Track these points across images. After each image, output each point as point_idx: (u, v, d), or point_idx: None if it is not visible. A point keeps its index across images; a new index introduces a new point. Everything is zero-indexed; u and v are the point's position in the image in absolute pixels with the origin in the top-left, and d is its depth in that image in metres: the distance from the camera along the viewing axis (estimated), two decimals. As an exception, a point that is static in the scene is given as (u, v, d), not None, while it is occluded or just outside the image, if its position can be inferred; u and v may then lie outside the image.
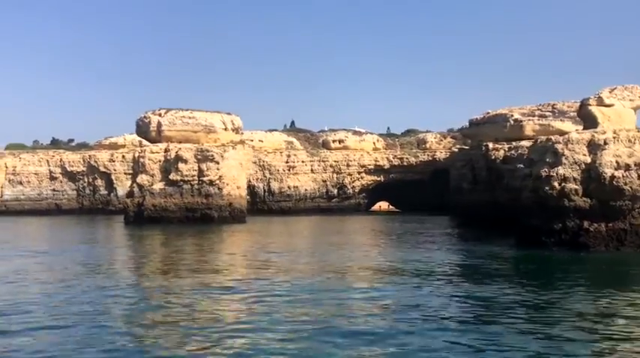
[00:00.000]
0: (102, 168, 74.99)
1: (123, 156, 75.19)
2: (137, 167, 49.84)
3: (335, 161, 75.03)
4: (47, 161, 76.08)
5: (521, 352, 9.98)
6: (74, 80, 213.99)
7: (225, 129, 53.42)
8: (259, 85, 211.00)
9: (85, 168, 75.64)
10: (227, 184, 50.56)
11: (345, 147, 77.09)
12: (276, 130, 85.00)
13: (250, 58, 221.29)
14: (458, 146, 74.85)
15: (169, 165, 49.53)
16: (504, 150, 38.62)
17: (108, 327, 12.14)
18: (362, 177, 76.19)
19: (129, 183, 73.70)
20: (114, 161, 74.89)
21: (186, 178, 49.32)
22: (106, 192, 75.25)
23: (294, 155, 74.68)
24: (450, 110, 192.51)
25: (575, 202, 22.76)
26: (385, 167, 75.95)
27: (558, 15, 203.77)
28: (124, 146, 78.77)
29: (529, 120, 39.24)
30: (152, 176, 49.72)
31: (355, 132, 79.69)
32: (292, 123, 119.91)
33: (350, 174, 75.23)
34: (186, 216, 49.72)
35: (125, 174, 74.86)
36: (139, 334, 11.81)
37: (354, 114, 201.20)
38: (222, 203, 50.36)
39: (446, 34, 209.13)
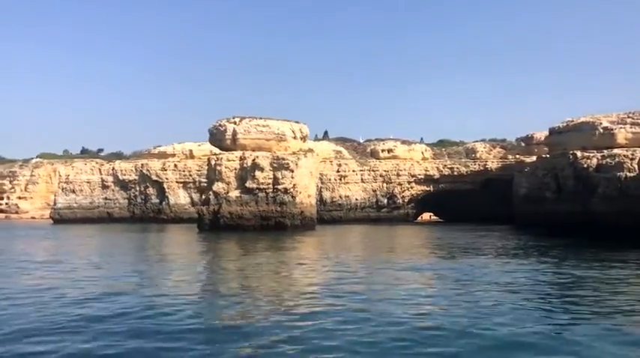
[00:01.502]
0: (154, 177, 75.33)
1: (175, 165, 75.58)
2: (213, 175, 50.03)
3: (385, 170, 75.11)
4: (99, 169, 76.49)
5: None
6: (104, 92, 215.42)
7: (294, 137, 53.67)
8: (293, 94, 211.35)
9: (137, 177, 76.02)
10: (300, 193, 50.72)
11: (395, 157, 77.17)
12: (321, 139, 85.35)
13: (284, 67, 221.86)
14: (511, 156, 75.16)
15: (245, 173, 49.74)
16: (597, 158, 38.53)
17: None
18: (412, 187, 76.13)
19: (180, 191, 74.42)
20: (166, 170, 75.24)
21: (261, 186, 49.48)
22: (157, 201, 75.49)
23: (345, 164, 74.87)
24: (481, 121, 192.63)
25: None
26: (435, 177, 75.91)
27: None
28: (173, 155, 79.13)
29: (620, 128, 39.23)
30: (228, 184, 49.93)
31: (404, 142, 79.86)
32: (326, 133, 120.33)
33: (400, 184, 75.23)
34: (260, 224, 49.82)
35: (177, 182, 75.30)
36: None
37: (387, 124, 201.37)
38: (294, 211, 50.46)
39: (470, 49, 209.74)
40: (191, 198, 75.45)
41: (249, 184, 49.44)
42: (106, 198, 76.26)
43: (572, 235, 37.93)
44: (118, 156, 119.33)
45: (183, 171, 75.31)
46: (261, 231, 49.22)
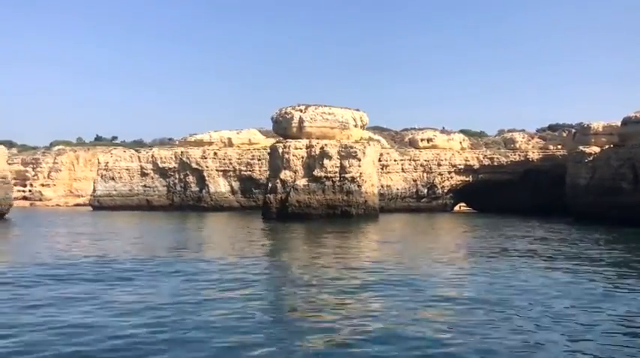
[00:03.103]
0: (194, 165, 74.71)
1: (215, 154, 74.96)
2: (280, 163, 49.60)
3: (426, 160, 74.87)
4: (138, 157, 75.70)
5: None
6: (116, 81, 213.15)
7: (356, 125, 53.33)
8: (322, 82, 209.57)
9: (176, 165, 75.33)
10: (365, 181, 50.52)
11: (434, 146, 76.91)
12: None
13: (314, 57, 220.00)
14: (552, 146, 75.20)
15: (313, 161, 49.37)
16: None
17: None
18: (451, 177, 76.03)
19: (220, 179, 73.87)
20: (206, 158, 74.62)
21: (329, 174, 49.17)
22: (197, 189, 74.89)
23: (387, 153, 74.46)
24: (502, 111, 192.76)
25: None
26: (475, 167, 75.83)
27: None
28: (210, 143, 78.42)
29: None
30: (295, 172, 49.56)
31: (442, 131, 79.60)
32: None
33: (440, 174, 75.09)
34: (327, 212, 49.58)
35: (217, 171, 74.74)
36: None
37: (411, 113, 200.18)
38: (360, 200, 50.27)
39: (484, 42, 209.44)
40: (231, 186, 74.98)
41: (317, 172, 49.10)
42: (145, 186, 75.59)
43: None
44: (139, 143, 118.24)
45: (223, 159, 74.72)
46: (327, 219, 49.03)
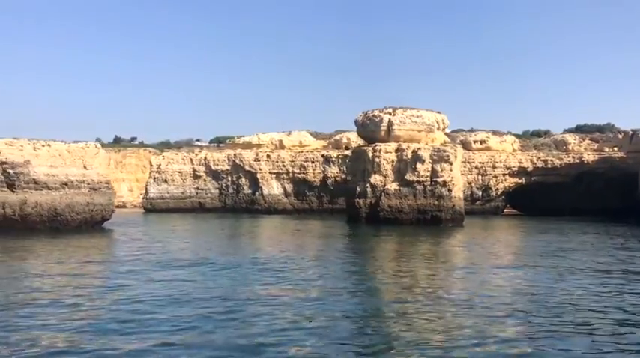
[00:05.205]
0: (247, 167, 73.41)
1: (267, 156, 73.70)
2: (370, 167, 48.58)
3: (480, 162, 74.22)
4: (191, 159, 74.21)
5: None
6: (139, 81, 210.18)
7: (438, 128, 52.44)
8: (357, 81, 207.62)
9: (229, 167, 73.96)
10: (455, 185, 49.62)
11: (487, 148, 76.34)
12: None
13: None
14: (607, 148, 74.89)
15: (405, 165, 48.39)
16: None
17: None
18: (505, 180, 75.44)
19: (274, 182, 72.68)
20: (259, 160, 73.31)
21: (421, 179, 48.23)
22: (249, 191, 73.59)
23: (442, 156, 73.68)
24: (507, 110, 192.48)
25: None
26: (528, 169, 75.29)
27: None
28: (259, 145, 77.16)
29: None
30: (385, 176, 48.57)
31: (495, 132, 78.98)
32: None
33: (495, 176, 74.46)
34: (417, 217, 48.65)
35: (270, 173, 73.47)
36: None
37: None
38: (449, 205, 49.37)
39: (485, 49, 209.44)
40: (284, 188, 73.76)
41: (408, 176, 48.16)
42: (197, 188, 74.13)
43: None
44: (166, 144, 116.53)
45: (276, 161, 73.46)
46: (417, 225, 48.09)
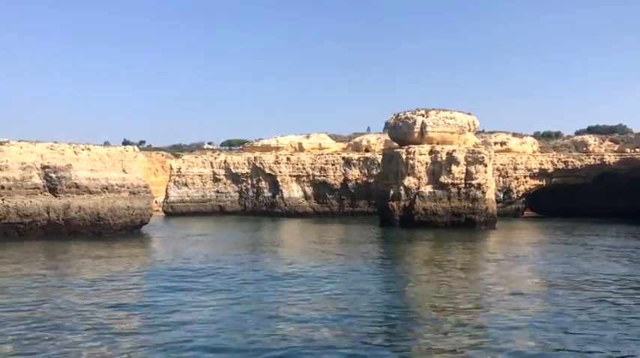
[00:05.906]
0: (267, 170, 72.92)
1: (287, 159, 73.22)
2: (403, 169, 48.16)
3: (502, 164, 73.76)
4: (211, 163, 73.69)
5: None
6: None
7: (469, 130, 52.07)
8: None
9: (249, 170, 73.48)
10: (488, 187, 49.26)
11: (508, 150, 75.97)
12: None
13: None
14: (629, 149, 74.59)
15: (439, 168, 47.97)
16: None
17: None
18: (526, 181, 75.11)
19: (294, 185, 72.18)
20: (279, 163, 72.83)
21: (455, 181, 47.84)
22: (269, 194, 73.08)
23: (463, 158, 73.32)
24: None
25: None
26: (549, 171, 74.96)
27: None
28: (277, 148, 76.69)
29: None
30: (419, 178, 48.15)
31: (515, 134, 78.64)
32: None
33: (517, 178, 74.10)
34: (451, 220, 48.24)
35: (290, 176, 72.98)
36: None
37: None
38: (483, 207, 48.98)
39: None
40: (304, 191, 73.26)
41: (443, 179, 47.76)
42: (217, 191, 73.60)
43: None
44: (178, 148, 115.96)
45: (297, 164, 72.99)
46: (451, 227, 47.64)
